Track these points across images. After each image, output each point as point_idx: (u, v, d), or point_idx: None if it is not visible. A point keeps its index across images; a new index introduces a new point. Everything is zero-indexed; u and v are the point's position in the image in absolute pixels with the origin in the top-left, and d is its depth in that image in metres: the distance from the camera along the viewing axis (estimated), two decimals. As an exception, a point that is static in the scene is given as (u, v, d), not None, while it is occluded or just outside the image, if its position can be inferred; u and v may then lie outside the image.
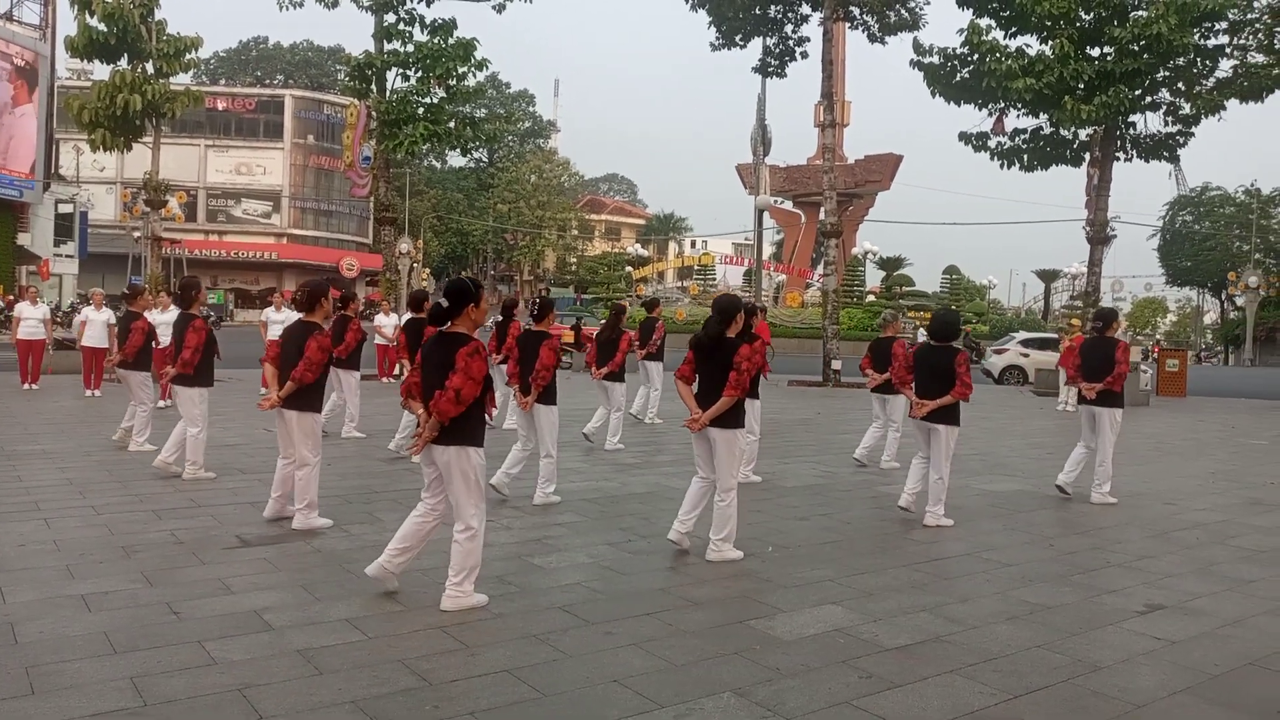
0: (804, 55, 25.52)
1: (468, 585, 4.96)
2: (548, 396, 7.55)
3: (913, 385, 7.53)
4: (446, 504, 5.01)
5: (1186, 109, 21.19)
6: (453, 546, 4.94)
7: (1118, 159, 22.11)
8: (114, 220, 56.59)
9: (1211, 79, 20.88)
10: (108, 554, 5.82)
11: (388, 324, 18.56)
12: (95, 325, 14.75)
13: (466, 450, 4.86)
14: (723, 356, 5.87)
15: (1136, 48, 19.49)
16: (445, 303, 4.90)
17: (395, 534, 5.10)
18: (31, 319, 15.54)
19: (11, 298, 31.41)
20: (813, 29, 29.57)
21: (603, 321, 12.13)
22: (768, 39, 25.21)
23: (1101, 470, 8.56)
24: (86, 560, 5.66)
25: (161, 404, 10.87)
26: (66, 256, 45.21)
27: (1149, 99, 21.19)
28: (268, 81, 79.15)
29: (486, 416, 5.05)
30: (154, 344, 9.93)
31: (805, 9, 24.72)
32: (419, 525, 5.07)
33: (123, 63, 20.15)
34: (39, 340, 15.65)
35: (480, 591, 5.30)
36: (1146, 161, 22.39)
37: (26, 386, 15.26)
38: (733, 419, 5.90)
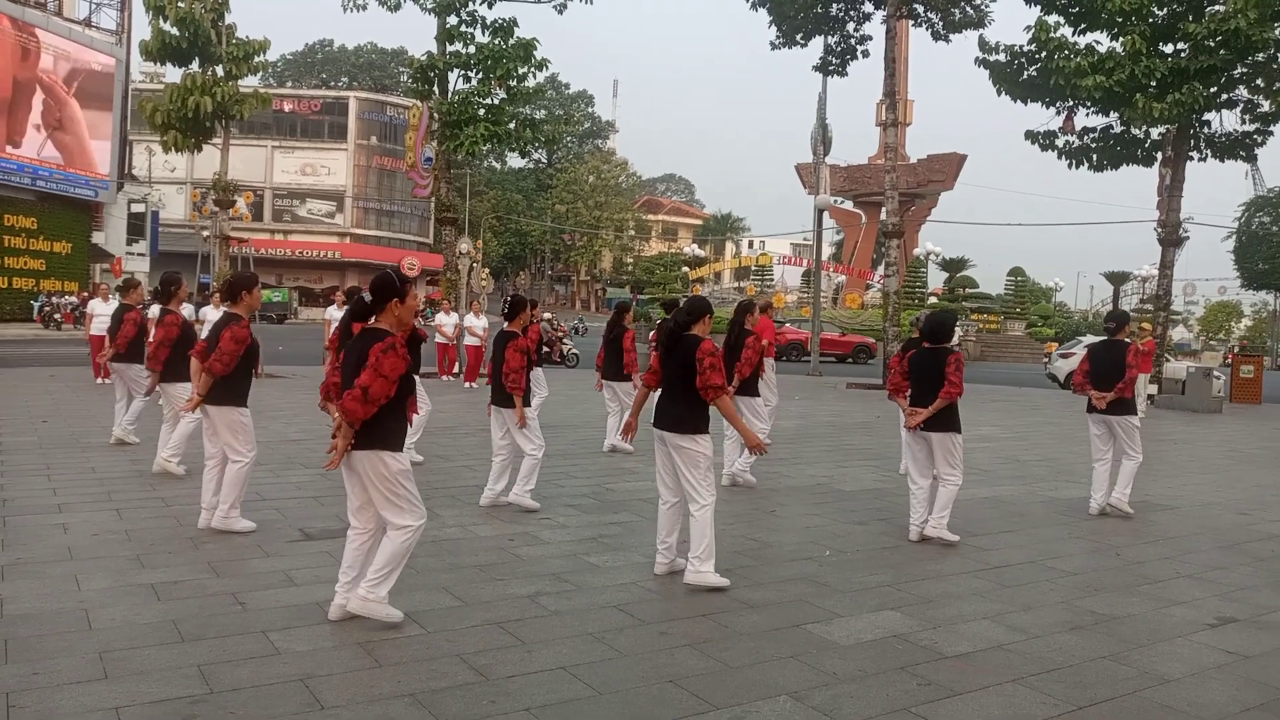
0: (865, 54, 25.22)
1: (383, 589, 4.54)
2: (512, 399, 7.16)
3: (908, 394, 6.93)
4: (379, 517, 4.63)
5: (1266, 107, 20.46)
6: (383, 541, 4.57)
7: (1191, 158, 21.46)
8: (184, 219, 58.25)
9: (1293, 75, 20.15)
10: (177, 545, 5.98)
11: (448, 322, 19.07)
12: (103, 316, 15.49)
13: (380, 455, 4.45)
14: (682, 355, 5.42)
15: (1213, 43, 18.89)
16: (368, 297, 4.54)
17: (341, 567, 4.69)
18: (104, 315, 16.00)
19: (86, 294, 32.46)
20: (875, 27, 29.40)
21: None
22: (829, 37, 24.96)
23: (1125, 475, 8.06)
24: (157, 550, 5.82)
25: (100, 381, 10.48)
26: (138, 255, 46.56)
27: (1225, 96, 20.52)
28: (332, 84, 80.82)
29: (409, 422, 4.68)
30: (145, 337, 10.03)
31: (868, 7, 24.44)
32: (358, 549, 4.66)
33: (194, 66, 20.68)
34: (113, 336, 16.13)
35: (537, 587, 5.33)
36: (1222, 161, 21.67)
37: (100, 381, 15.73)
38: (693, 423, 5.42)
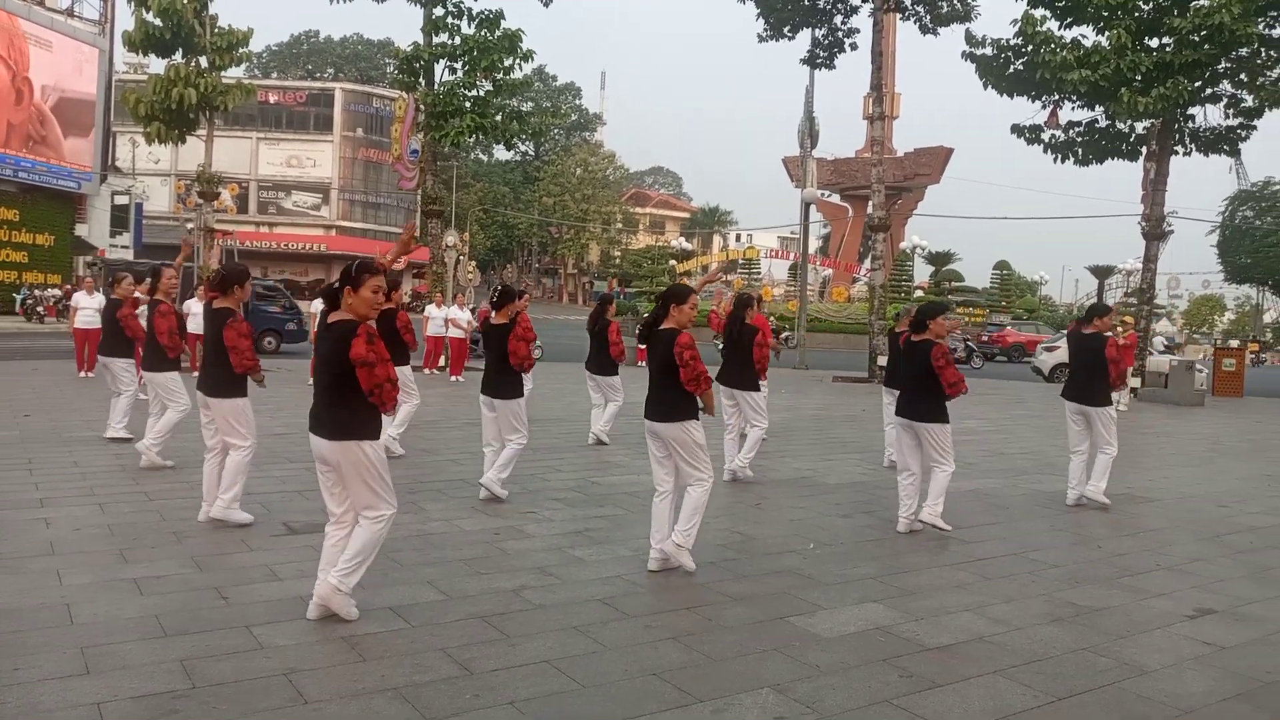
0: (853, 47, 25.24)
1: (353, 579, 4.51)
2: (512, 390, 7.28)
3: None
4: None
5: (1249, 101, 20.59)
6: (356, 530, 4.52)
7: (1176, 153, 21.57)
8: (168, 212, 57.71)
9: (1276, 70, 20.21)
10: (159, 539, 5.95)
11: (438, 315, 19.00)
12: (87, 309, 15.42)
13: (359, 445, 4.43)
14: (661, 350, 5.44)
15: (1197, 38, 18.98)
16: (337, 285, 4.46)
17: (320, 563, 4.63)
18: (88, 308, 15.91)
19: (69, 287, 32.22)
20: (862, 20, 29.41)
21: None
22: (816, 30, 24.97)
23: (1101, 467, 8.07)
24: (139, 545, 5.80)
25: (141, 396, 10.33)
26: (122, 247, 46.16)
27: (1209, 91, 20.62)
28: (318, 75, 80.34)
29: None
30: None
31: (855, 0, 24.47)
32: (337, 545, 4.61)
33: (177, 57, 20.53)
34: (95, 329, 16.00)
35: (522, 581, 5.33)
36: (1206, 155, 21.79)
37: (83, 374, 15.64)
38: (682, 411, 5.45)
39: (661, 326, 5.52)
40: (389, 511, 4.55)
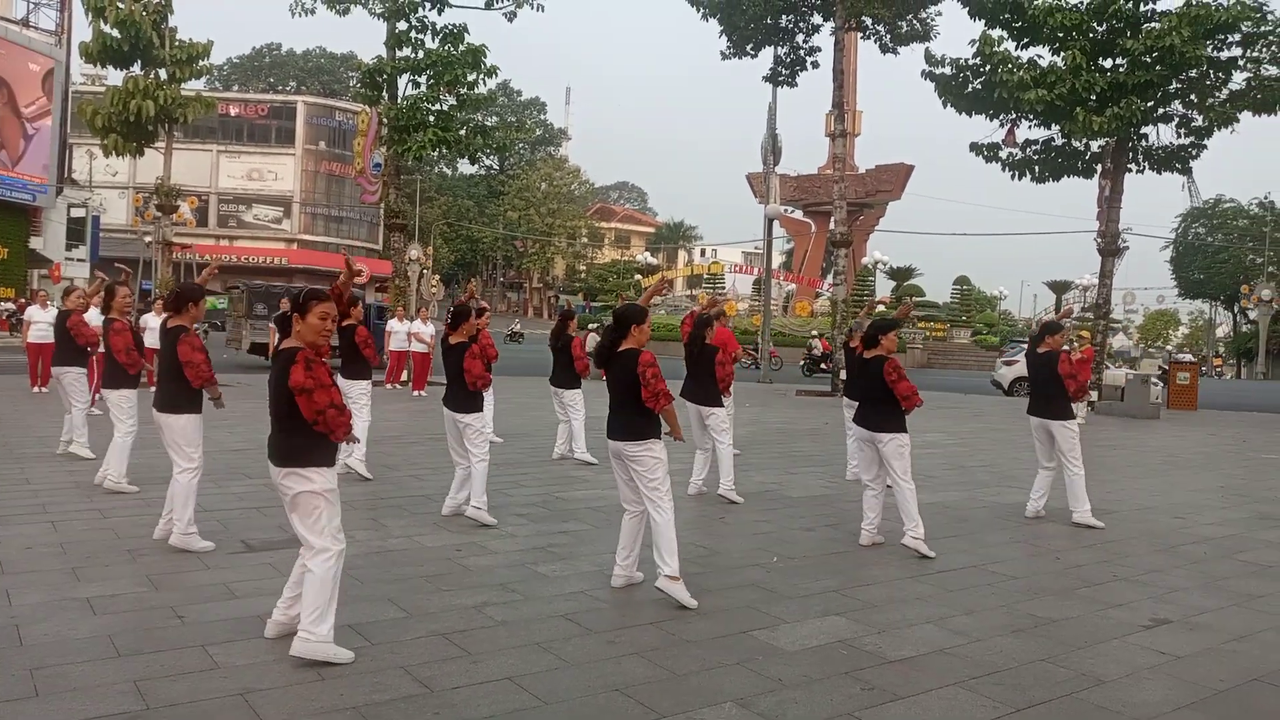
0: (815, 65, 25.52)
1: (323, 627, 4.23)
2: (471, 405, 7.21)
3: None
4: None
5: (1199, 121, 21.08)
6: (306, 577, 4.29)
7: (1130, 170, 22.00)
8: (126, 225, 56.95)
9: (1224, 91, 20.73)
10: (113, 557, 5.84)
11: (400, 330, 18.89)
12: (41, 323, 15.18)
13: (299, 472, 4.29)
14: (621, 370, 5.39)
15: (1149, 59, 19.41)
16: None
17: (287, 582, 4.54)
18: (42, 323, 15.62)
19: (23, 301, 31.60)
20: (824, 38, 29.67)
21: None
22: (779, 48, 25.22)
23: (1074, 491, 8.11)
24: (92, 563, 5.68)
25: (95, 412, 10.19)
26: (78, 260, 45.40)
27: (1161, 111, 21.09)
28: (280, 88, 79.78)
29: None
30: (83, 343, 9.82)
31: (817, 19, 24.74)
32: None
33: (136, 69, 20.30)
34: (49, 344, 15.69)
35: (484, 598, 5.29)
36: (1159, 173, 22.24)
37: (36, 389, 15.34)
38: (645, 430, 5.38)
39: (621, 348, 5.47)
40: (335, 547, 4.32)
